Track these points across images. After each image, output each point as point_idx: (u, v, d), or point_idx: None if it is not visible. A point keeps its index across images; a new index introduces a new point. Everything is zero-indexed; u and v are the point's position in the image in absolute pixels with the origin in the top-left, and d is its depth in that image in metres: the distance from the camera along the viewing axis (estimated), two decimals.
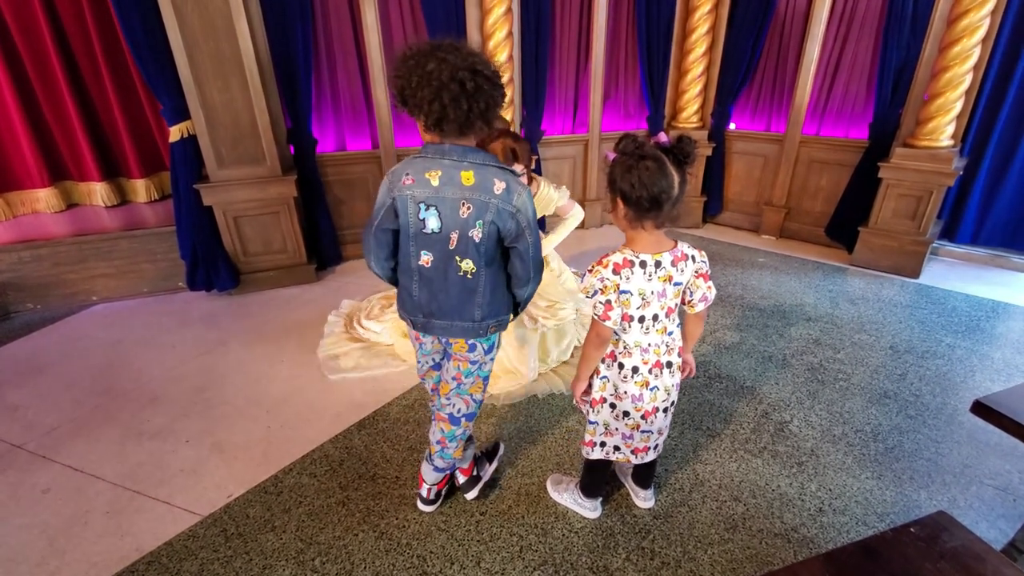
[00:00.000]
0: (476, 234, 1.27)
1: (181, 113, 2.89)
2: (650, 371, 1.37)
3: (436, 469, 1.63)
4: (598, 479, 1.64)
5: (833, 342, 2.62)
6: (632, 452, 1.50)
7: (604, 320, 1.28)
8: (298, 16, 3.03)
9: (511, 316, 1.48)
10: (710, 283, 1.33)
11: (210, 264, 3.14)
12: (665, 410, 1.45)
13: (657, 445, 1.52)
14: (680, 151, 1.19)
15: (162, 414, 2.18)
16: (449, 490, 1.76)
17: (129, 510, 1.75)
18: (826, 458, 1.89)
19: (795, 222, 4.02)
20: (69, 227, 3.19)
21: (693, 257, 1.30)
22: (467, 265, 1.31)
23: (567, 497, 1.71)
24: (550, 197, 2.16)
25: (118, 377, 2.44)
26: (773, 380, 2.33)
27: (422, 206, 1.28)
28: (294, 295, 3.25)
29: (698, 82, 3.97)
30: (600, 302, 1.28)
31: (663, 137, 1.23)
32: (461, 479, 1.72)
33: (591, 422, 1.48)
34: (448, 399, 1.54)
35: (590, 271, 1.29)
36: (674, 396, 1.45)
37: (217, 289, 3.21)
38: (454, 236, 1.28)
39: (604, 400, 1.44)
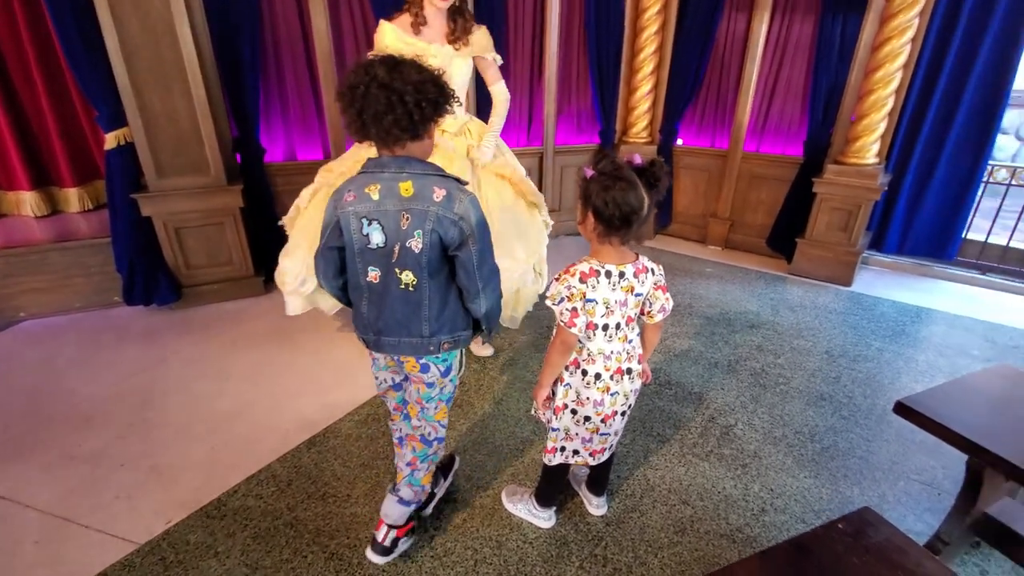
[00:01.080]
0: (415, 244, 1.25)
1: (118, 120, 2.76)
2: (611, 377, 1.41)
3: (401, 501, 1.53)
4: (555, 487, 1.67)
5: (774, 348, 2.76)
6: (590, 455, 1.54)
7: (570, 327, 1.33)
8: (245, 23, 2.96)
9: (470, 333, 1.45)
10: (667, 295, 1.40)
11: (149, 277, 3.00)
12: (623, 413, 1.49)
13: (612, 445, 1.57)
14: (652, 175, 1.26)
15: (96, 436, 2.06)
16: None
17: (60, 539, 1.64)
18: (768, 459, 1.98)
19: (739, 233, 4.21)
20: None
21: (652, 270, 1.38)
22: (407, 277, 1.29)
23: (522, 508, 1.72)
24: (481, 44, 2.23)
25: (48, 398, 2.29)
26: (719, 386, 2.42)
27: (364, 221, 1.26)
28: (241, 308, 3.14)
29: (647, 99, 4.12)
30: (566, 309, 1.32)
31: (637, 158, 1.28)
32: None
33: (553, 429, 1.51)
34: (419, 420, 1.51)
35: (557, 279, 1.34)
36: (632, 400, 1.50)
37: (156, 303, 3.06)
38: (396, 248, 1.27)
39: (566, 407, 1.46)
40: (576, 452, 1.54)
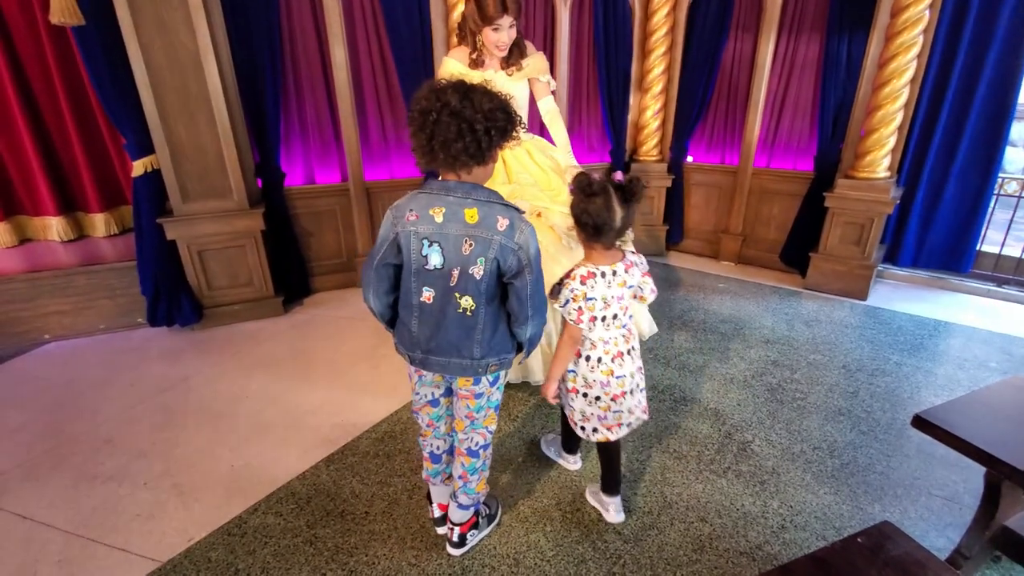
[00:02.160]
0: (477, 271, 1.29)
1: (145, 148, 2.87)
2: (612, 360, 1.58)
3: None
4: (576, 439, 1.95)
5: (790, 363, 2.74)
6: (608, 430, 1.65)
7: (577, 323, 1.52)
8: (267, 54, 3.08)
9: (514, 355, 1.49)
10: (650, 277, 1.62)
11: (172, 299, 3.08)
12: (631, 391, 1.63)
13: (630, 423, 1.67)
14: (628, 190, 1.45)
15: (118, 456, 2.10)
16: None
17: (82, 558, 1.67)
18: (786, 476, 1.96)
19: (751, 248, 4.21)
20: (22, 263, 3.08)
21: (636, 263, 1.58)
22: (467, 302, 1.32)
23: (553, 452, 2.05)
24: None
25: (71, 419, 2.34)
26: (735, 401, 2.41)
27: (425, 242, 1.29)
28: (260, 329, 3.20)
29: (656, 118, 4.18)
30: (573, 309, 1.51)
31: (619, 175, 1.46)
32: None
33: (570, 406, 1.68)
34: (465, 434, 1.55)
35: (561, 284, 1.54)
36: (639, 379, 1.67)
37: (179, 324, 3.14)
38: (455, 273, 1.30)
39: (578, 391, 1.63)
40: (596, 430, 1.65)
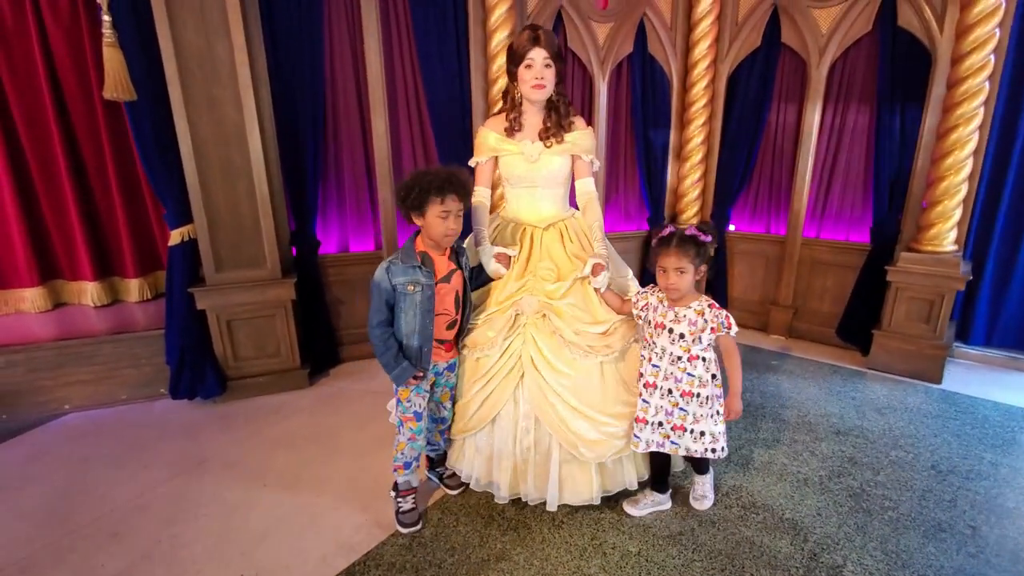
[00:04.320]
0: None
1: (184, 217, 2.86)
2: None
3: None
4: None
5: (870, 461, 2.42)
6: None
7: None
8: (310, 124, 3.11)
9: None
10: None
11: (196, 370, 2.96)
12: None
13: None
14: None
15: (121, 554, 1.90)
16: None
17: None
18: None
19: (803, 322, 3.94)
20: (54, 328, 3.03)
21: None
22: None
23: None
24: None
25: (78, 505, 2.17)
26: (814, 510, 2.09)
27: None
28: (283, 402, 3.04)
29: (696, 187, 4.07)
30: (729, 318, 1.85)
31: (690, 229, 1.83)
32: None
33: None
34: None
35: (720, 309, 1.85)
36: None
37: (201, 397, 3.00)
38: None
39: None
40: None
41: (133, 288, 3.43)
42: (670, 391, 1.87)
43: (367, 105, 3.30)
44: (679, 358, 1.85)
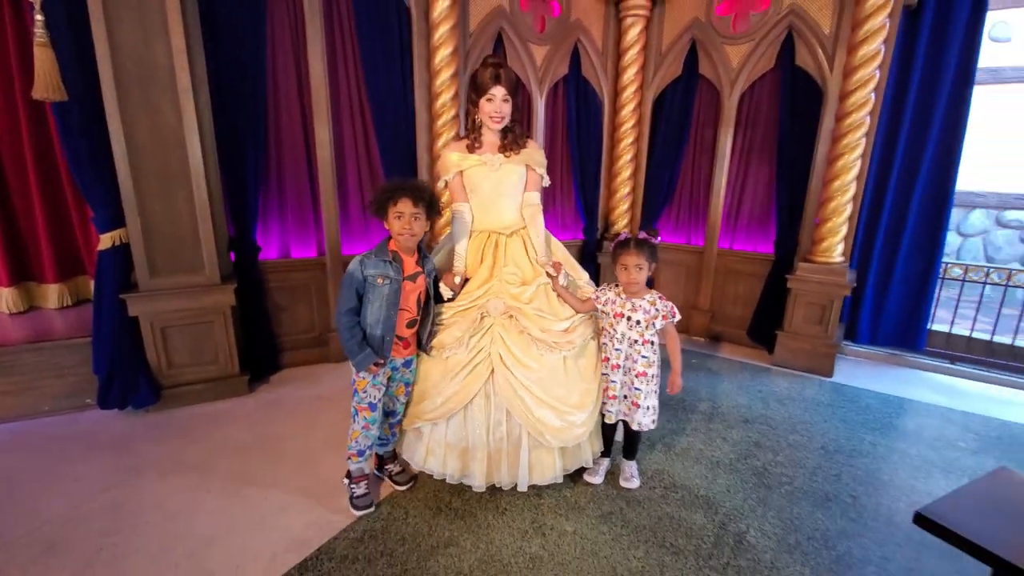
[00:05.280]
0: None
1: (115, 222, 2.76)
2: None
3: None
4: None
5: (771, 444, 2.76)
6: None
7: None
8: (250, 131, 3.10)
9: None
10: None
11: (127, 378, 2.86)
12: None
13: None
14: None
15: (61, 566, 1.85)
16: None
17: None
18: (786, 570, 1.91)
19: (720, 324, 4.35)
20: None
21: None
22: None
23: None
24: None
25: (8, 519, 2.07)
26: (724, 487, 2.38)
27: None
28: (223, 410, 2.99)
29: (626, 200, 4.40)
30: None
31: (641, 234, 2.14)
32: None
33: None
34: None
35: (662, 298, 2.20)
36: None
37: (133, 406, 2.90)
38: None
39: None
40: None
41: (52, 294, 3.26)
42: (628, 370, 2.21)
43: (310, 113, 3.33)
44: (635, 341, 2.18)
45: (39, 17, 2.30)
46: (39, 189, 3.05)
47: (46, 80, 2.36)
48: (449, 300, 2.25)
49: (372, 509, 2.16)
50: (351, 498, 2.17)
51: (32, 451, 2.54)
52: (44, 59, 2.34)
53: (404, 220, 1.98)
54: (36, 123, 2.93)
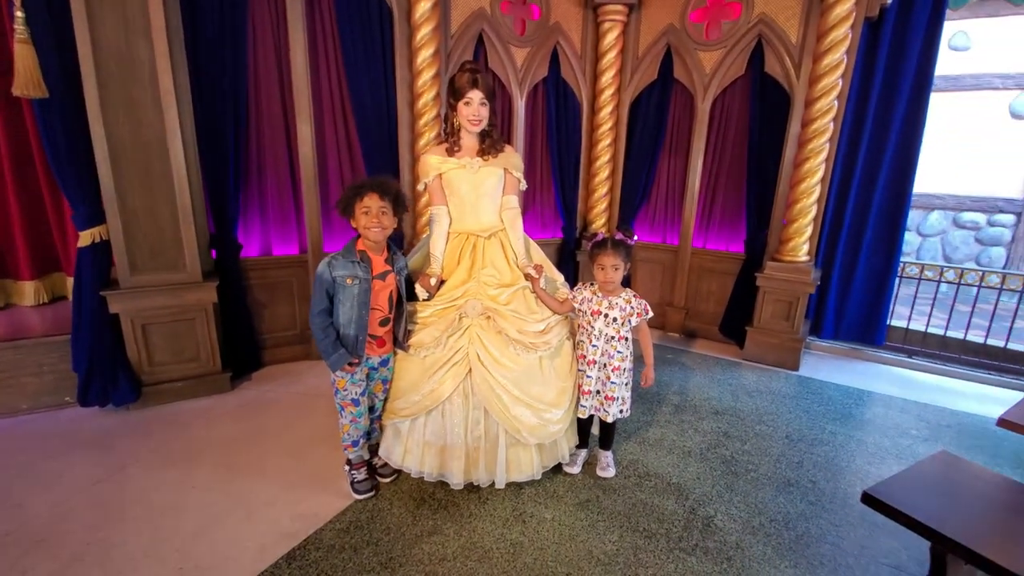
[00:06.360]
0: None
1: (95, 219, 2.76)
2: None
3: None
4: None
5: (739, 434, 2.91)
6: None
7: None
8: (232, 128, 3.11)
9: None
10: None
11: (108, 376, 2.86)
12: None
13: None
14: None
15: (50, 559, 1.87)
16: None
17: None
18: (750, 550, 2.05)
19: (694, 321, 4.51)
20: None
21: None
22: None
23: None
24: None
25: None
26: (695, 475, 2.51)
27: None
28: (205, 407, 3.01)
29: (604, 200, 4.52)
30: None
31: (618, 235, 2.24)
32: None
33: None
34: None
35: (636, 296, 2.33)
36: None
37: (113, 404, 2.90)
38: None
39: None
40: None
41: (28, 291, 3.24)
42: (604, 365, 2.31)
43: (292, 110, 3.35)
44: (612, 338, 2.28)
45: (19, 14, 2.29)
46: (14, 186, 3.02)
47: (27, 77, 2.35)
48: (425, 300, 2.31)
49: (373, 493, 2.25)
50: (352, 483, 2.27)
51: (13, 449, 2.54)
52: (24, 56, 2.32)
53: (372, 215, 2.01)
54: (12, 119, 2.91)
